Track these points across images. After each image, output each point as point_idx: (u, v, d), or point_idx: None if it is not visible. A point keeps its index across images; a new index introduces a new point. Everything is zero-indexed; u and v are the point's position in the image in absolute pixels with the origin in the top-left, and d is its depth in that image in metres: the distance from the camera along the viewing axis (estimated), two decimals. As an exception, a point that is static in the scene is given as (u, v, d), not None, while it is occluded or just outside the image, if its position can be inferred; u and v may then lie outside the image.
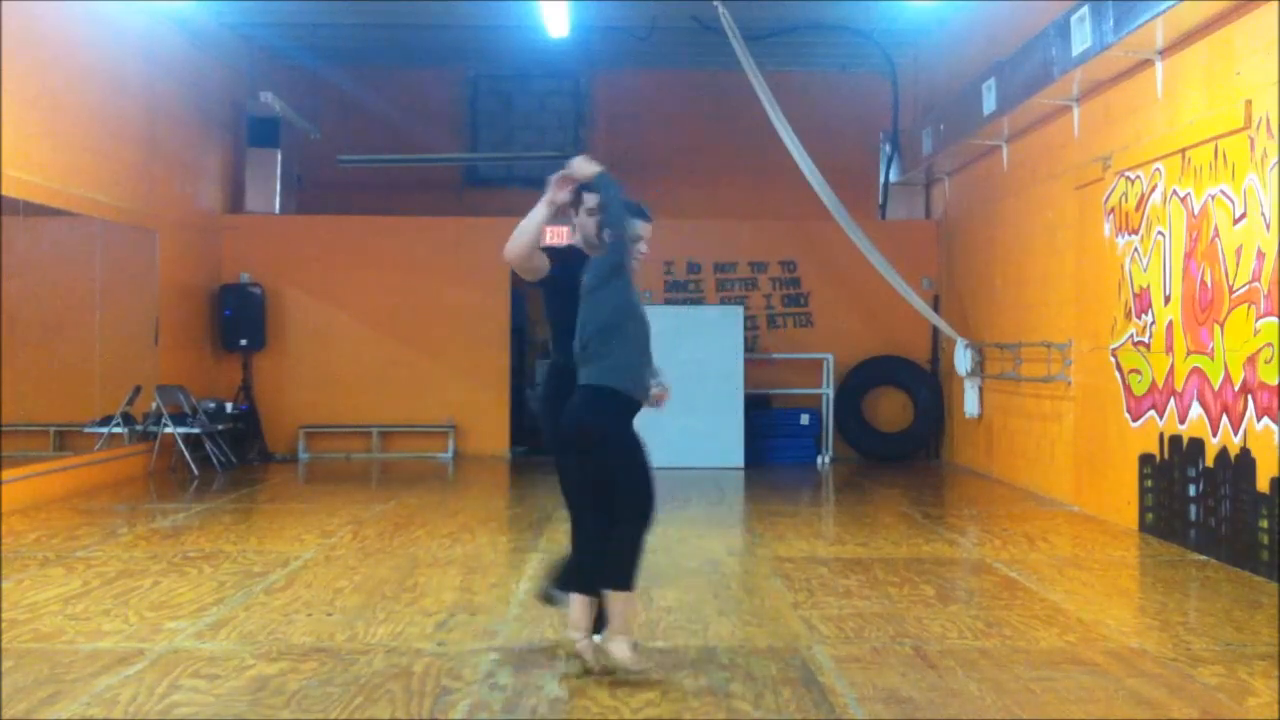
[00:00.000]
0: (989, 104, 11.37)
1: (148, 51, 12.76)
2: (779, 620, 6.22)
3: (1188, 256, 8.32)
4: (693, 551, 8.25)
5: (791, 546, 8.45)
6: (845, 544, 8.61)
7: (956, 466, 14.05)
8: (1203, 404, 8.06)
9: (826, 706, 4.75)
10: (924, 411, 14.78)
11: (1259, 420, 7.32)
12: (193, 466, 12.67)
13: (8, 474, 10.08)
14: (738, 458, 13.68)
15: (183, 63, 13.63)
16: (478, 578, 7.24)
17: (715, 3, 11.95)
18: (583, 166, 5.28)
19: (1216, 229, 7.90)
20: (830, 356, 14.74)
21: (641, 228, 5.32)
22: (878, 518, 9.99)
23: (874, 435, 14.96)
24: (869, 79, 16.23)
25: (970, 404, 13.10)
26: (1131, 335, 9.20)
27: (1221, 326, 7.81)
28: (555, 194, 5.36)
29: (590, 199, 5.37)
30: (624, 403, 5.21)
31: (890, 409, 15.02)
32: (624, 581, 5.10)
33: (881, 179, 15.85)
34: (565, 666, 5.26)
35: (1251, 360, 7.41)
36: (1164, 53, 8.67)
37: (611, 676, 5.10)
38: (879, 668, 5.29)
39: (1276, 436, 7.12)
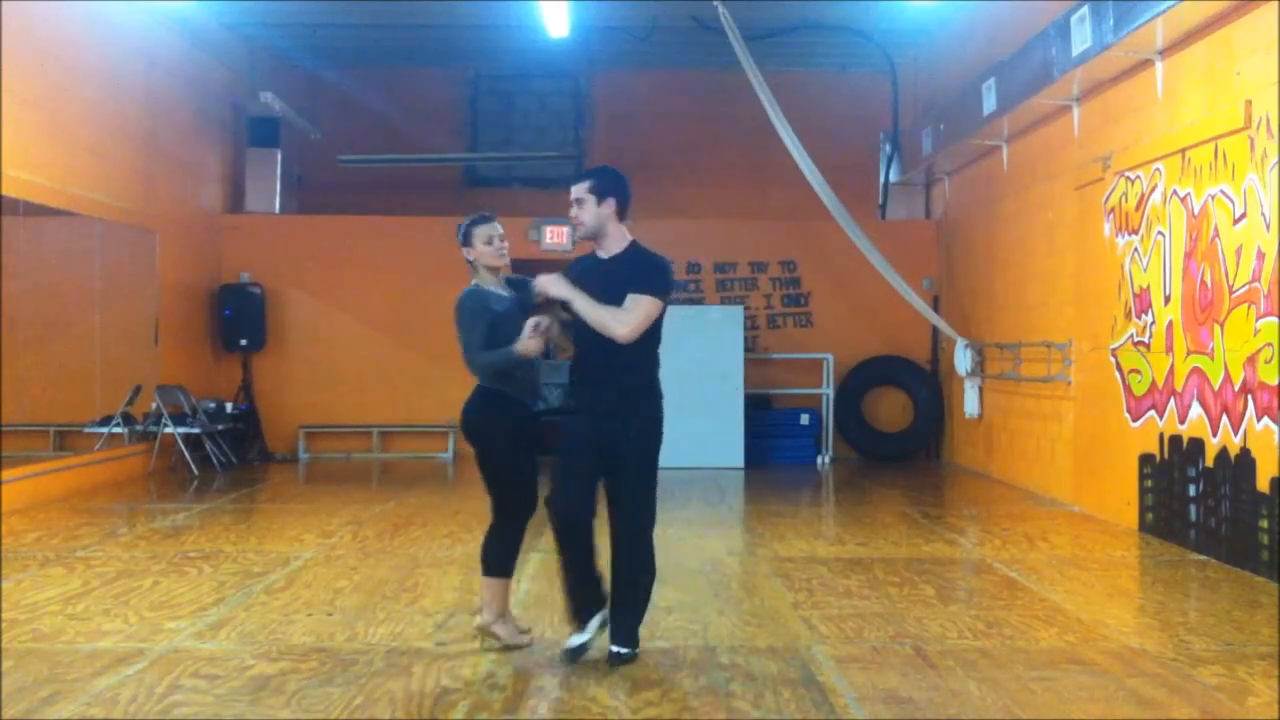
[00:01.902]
0: (989, 104, 11.37)
1: (148, 51, 12.76)
2: (779, 620, 6.22)
3: (1188, 256, 8.32)
4: (693, 551, 8.25)
5: (791, 546, 8.45)
6: (845, 544, 8.61)
7: (956, 466, 14.04)
8: (1203, 404, 8.06)
9: (826, 706, 4.75)
10: (924, 411, 14.78)
11: (1259, 420, 7.32)
12: (193, 466, 12.67)
13: (8, 474, 10.08)
14: (738, 458, 13.68)
15: (183, 63, 13.63)
16: (478, 578, 7.20)
17: (715, 3, 11.95)
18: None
19: (1216, 229, 7.90)
20: (830, 356, 14.74)
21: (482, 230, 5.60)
22: (878, 518, 9.98)
23: (874, 435, 14.96)
24: (869, 79, 16.23)
25: (970, 404, 13.10)
26: (1131, 335, 9.20)
27: (1221, 326, 7.81)
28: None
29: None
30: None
31: (890, 409, 15.02)
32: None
33: (881, 179, 15.85)
34: (566, 666, 5.26)
35: (1251, 360, 7.41)
36: (1164, 53, 8.67)
37: (611, 676, 5.11)
38: (879, 668, 5.29)
39: (1276, 436, 7.12)
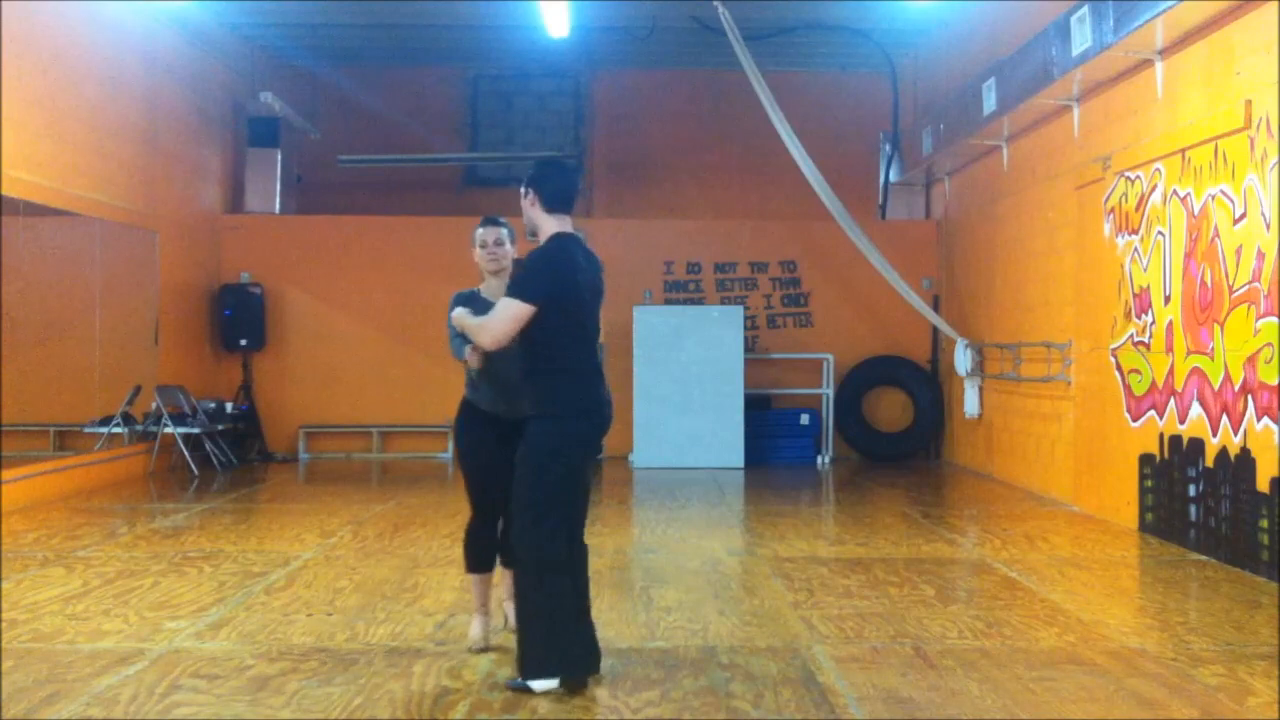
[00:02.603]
0: (989, 104, 11.37)
1: (148, 51, 12.76)
2: (779, 620, 6.21)
3: (1188, 256, 8.32)
4: (693, 551, 8.25)
5: (791, 546, 8.45)
6: (845, 544, 8.61)
7: (956, 466, 14.04)
8: (1203, 404, 8.06)
9: (826, 706, 4.75)
10: (924, 411, 14.78)
11: (1259, 420, 7.32)
12: (193, 466, 12.68)
13: (8, 474, 10.08)
14: (738, 458, 13.68)
15: (183, 63, 13.63)
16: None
17: (715, 3, 11.96)
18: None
19: (1216, 229, 7.90)
20: (830, 356, 14.74)
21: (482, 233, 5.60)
22: (878, 518, 9.98)
23: (874, 435, 14.96)
24: (869, 79, 16.23)
25: (970, 404, 13.10)
26: (1131, 335, 9.20)
27: (1221, 326, 7.81)
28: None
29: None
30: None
31: (890, 409, 15.02)
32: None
33: (881, 179, 15.85)
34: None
35: (1251, 360, 7.41)
36: (1164, 53, 8.67)
37: (611, 676, 5.11)
38: (879, 668, 5.29)
39: (1276, 436, 7.12)
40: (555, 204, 5.14)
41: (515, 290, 4.99)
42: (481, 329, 5.05)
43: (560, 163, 5.40)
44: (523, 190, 5.18)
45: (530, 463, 4.96)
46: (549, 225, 5.14)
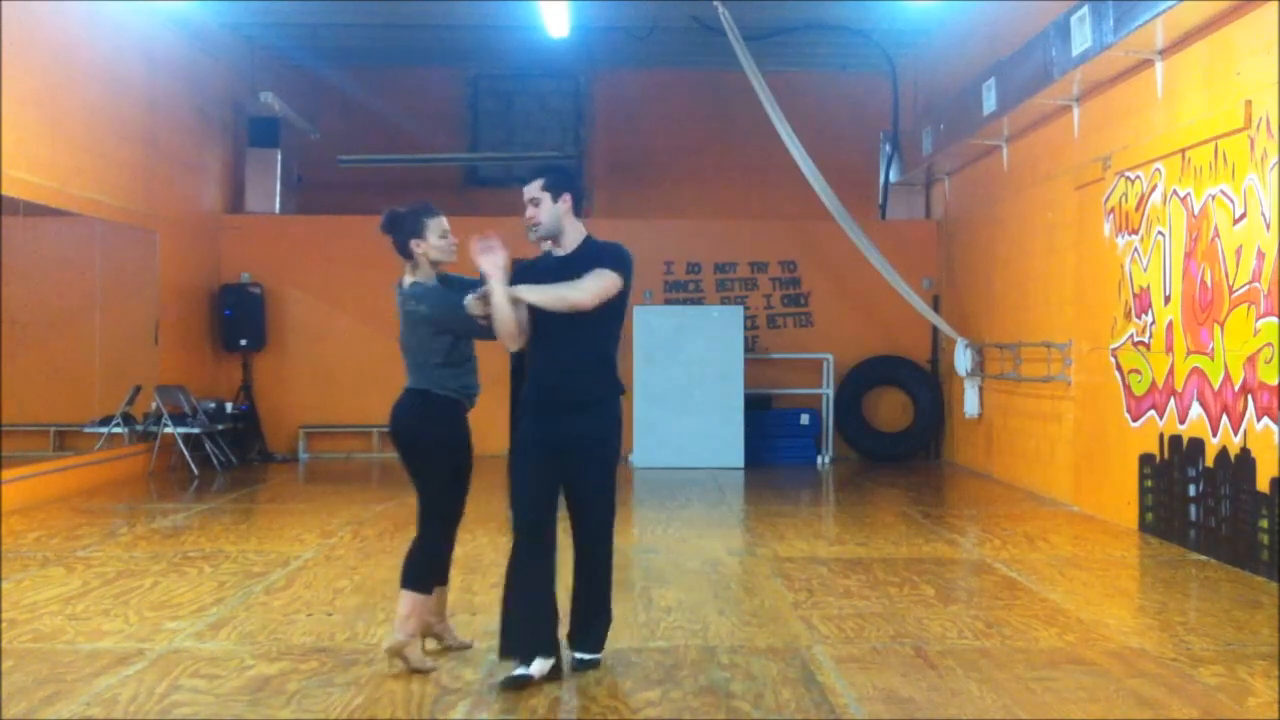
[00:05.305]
0: (989, 104, 11.37)
1: (148, 51, 12.76)
2: (779, 620, 6.21)
3: (1188, 256, 8.32)
4: (693, 551, 8.25)
5: (791, 546, 8.45)
6: (845, 544, 8.61)
7: (956, 466, 14.04)
8: (1203, 404, 8.06)
9: (826, 706, 4.75)
10: (924, 411, 14.78)
11: (1259, 420, 7.32)
12: (193, 466, 12.67)
13: (8, 474, 10.08)
14: (738, 458, 13.68)
15: (183, 63, 13.63)
16: (478, 578, 7.24)
17: (715, 3, 11.96)
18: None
19: (1216, 229, 7.90)
20: (830, 356, 14.74)
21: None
22: (878, 518, 9.98)
23: (874, 435, 14.96)
24: (869, 79, 16.23)
25: (970, 404, 13.10)
26: (1131, 335, 9.21)
27: (1221, 326, 7.81)
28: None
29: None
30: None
31: (890, 409, 15.02)
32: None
33: (881, 179, 15.85)
34: (565, 667, 5.26)
35: (1251, 360, 7.41)
36: (1164, 53, 8.67)
37: (611, 676, 5.11)
38: (879, 668, 5.29)
39: (1276, 436, 7.12)
40: (581, 207, 5.31)
41: (609, 265, 5.10)
42: (577, 290, 5.01)
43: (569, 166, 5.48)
44: (548, 193, 5.16)
45: (606, 452, 5.21)
46: (577, 229, 5.27)
